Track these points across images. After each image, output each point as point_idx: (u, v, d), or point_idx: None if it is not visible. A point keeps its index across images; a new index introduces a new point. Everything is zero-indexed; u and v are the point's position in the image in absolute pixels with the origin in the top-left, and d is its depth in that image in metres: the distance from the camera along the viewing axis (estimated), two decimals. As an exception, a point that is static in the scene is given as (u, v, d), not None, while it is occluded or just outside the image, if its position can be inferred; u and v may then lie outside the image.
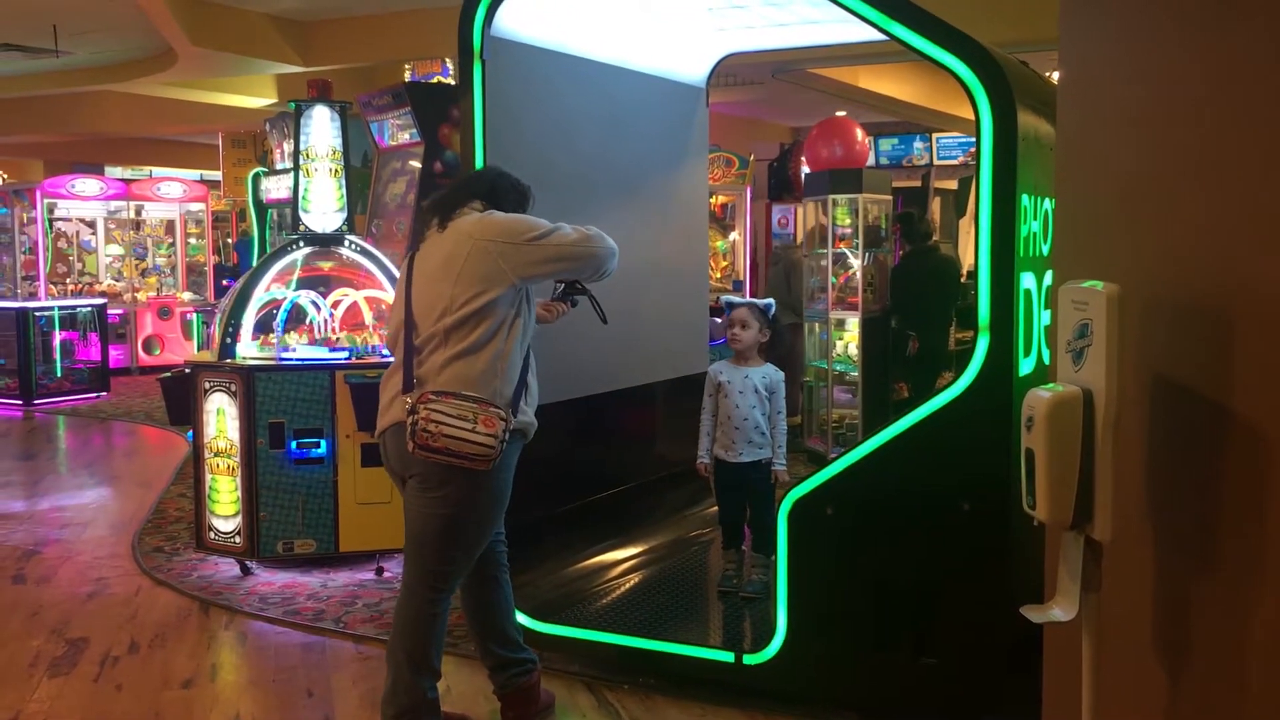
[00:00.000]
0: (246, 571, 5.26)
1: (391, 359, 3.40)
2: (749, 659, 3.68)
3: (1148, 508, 2.57)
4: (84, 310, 11.40)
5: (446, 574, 3.30)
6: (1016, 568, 3.31)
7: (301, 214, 5.60)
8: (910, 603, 3.46)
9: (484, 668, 3.59)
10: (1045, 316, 3.49)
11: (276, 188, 8.50)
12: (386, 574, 5.15)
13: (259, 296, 5.49)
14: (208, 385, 5.31)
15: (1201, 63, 2.40)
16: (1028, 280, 3.38)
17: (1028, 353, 3.41)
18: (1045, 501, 2.35)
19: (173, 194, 13.68)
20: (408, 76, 8.86)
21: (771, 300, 4.52)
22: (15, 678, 4.08)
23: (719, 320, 5.65)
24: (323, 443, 5.12)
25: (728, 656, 3.74)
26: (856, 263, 7.66)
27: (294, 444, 5.10)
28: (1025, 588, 3.00)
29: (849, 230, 7.80)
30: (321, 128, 5.60)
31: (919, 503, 3.41)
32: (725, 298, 4.61)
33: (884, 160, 14.81)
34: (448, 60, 8.86)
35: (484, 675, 3.62)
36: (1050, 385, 2.39)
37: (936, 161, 14.77)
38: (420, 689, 3.31)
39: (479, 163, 4.01)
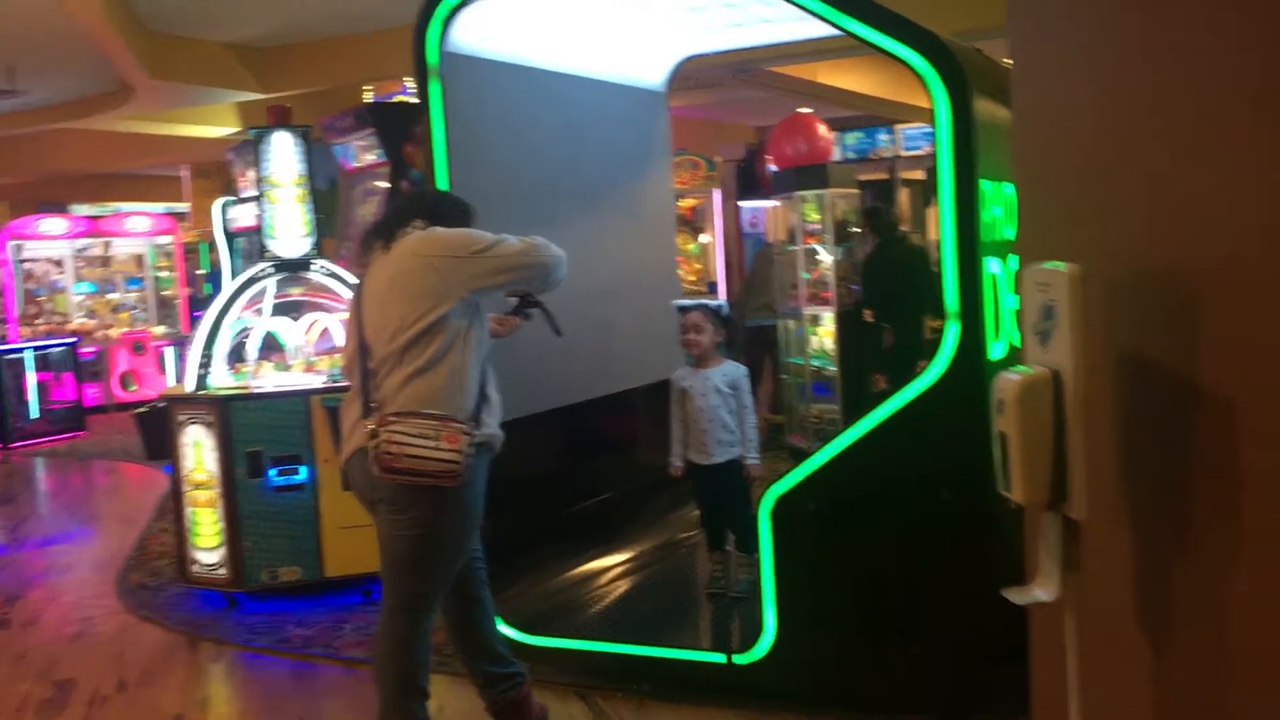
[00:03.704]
0: (233, 603, 5.22)
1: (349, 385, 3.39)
2: (740, 659, 3.68)
3: (1123, 484, 2.59)
4: (57, 350, 11.31)
5: (425, 595, 3.29)
6: (1000, 552, 3.32)
7: (268, 241, 5.58)
8: (896, 594, 3.47)
9: (474, 685, 3.57)
10: (1014, 301, 3.51)
11: (242, 216, 8.46)
12: (374, 596, 5.13)
13: (230, 326, 5.47)
14: (183, 418, 5.27)
15: (1153, 47, 2.43)
16: (993, 265, 3.40)
17: (998, 337, 3.43)
18: (1020, 483, 2.37)
19: (140, 228, 13.60)
20: (369, 97, 8.84)
21: (723, 300, 4.53)
22: (3, 724, 4.05)
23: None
24: (302, 469, 5.10)
25: (719, 658, 3.74)
26: (828, 258, 7.69)
27: (273, 472, 5.08)
28: (1010, 572, 3.01)
29: (818, 226, 7.84)
30: (283, 154, 5.58)
31: (898, 493, 3.42)
32: (675, 302, 4.61)
33: (850, 154, 14.88)
34: (408, 79, 8.85)
35: (475, 692, 3.61)
36: (1019, 368, 2.41)
37: (902, 153, 14.86)
38: (410, 711, 3.29)
39: (443, 181, 4.01)
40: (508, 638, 3.98)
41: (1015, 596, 2.48)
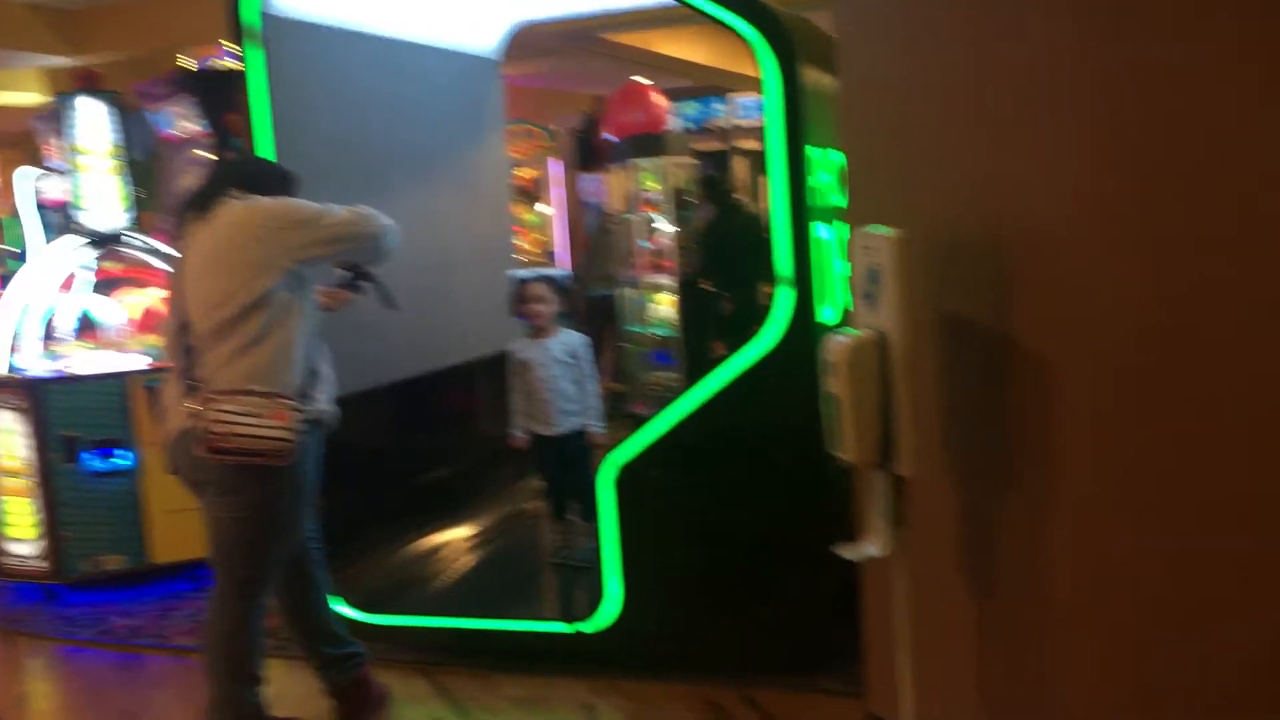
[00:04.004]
0: (51, 595, 4.95)
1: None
2: (585, 628, 3.69)
3: (948, 441, 2.68)
4: None
5: (257, 578, 3.18)
6: (836, 512, 3.40)
7: (78, 214, 5.27)
8: (739, 556, 3.51)
9: (311, 668, 3.48)
10: (844, 266, 3.59)
11: (51, 188, 7.98)
12: (205, 582, 4.94)
13: (41, 304, 5.16)
14: (-10, 403, 4.96)
15: (972, 23, 2.50)
16: (824, 231, 3.46)
17: (830, 302, 3.50)
18: (851, 443, 2.43)
19: (-60, 202, 12.70)
20: (187, 63, 8.44)
21: (564, 270, 4.53)
22: None
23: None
24: (123, 453, 4.86)
25: (563, 628, 3.74)
26: (666, 227, 7.74)
27: (91, 457, 4.82)
28: (847, 531, 3.09)
29: (657, 195, 7.87)
30: (92, 121, 5.29)
31: (737, 456, 3.47)
32: (514, 273, 4.57)
33: (687, 124, 14.97)
34: (227, 43, 8.48)
35: (313, 675, 3.51)
36: (848, 331, 2.46)
37: (738, 122, 15.02)
38: (244, 699, 3.19)
39: (267, 151, 3.85)
40: (346, 617, 3.90)
41: (847, 552, 2.54)
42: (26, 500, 4.92)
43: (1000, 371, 2.50)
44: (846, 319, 3.50)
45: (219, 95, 7.04)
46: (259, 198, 3.19)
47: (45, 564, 4.91)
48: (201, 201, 3.19)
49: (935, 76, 2.61)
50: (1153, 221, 2.11)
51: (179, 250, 3.25)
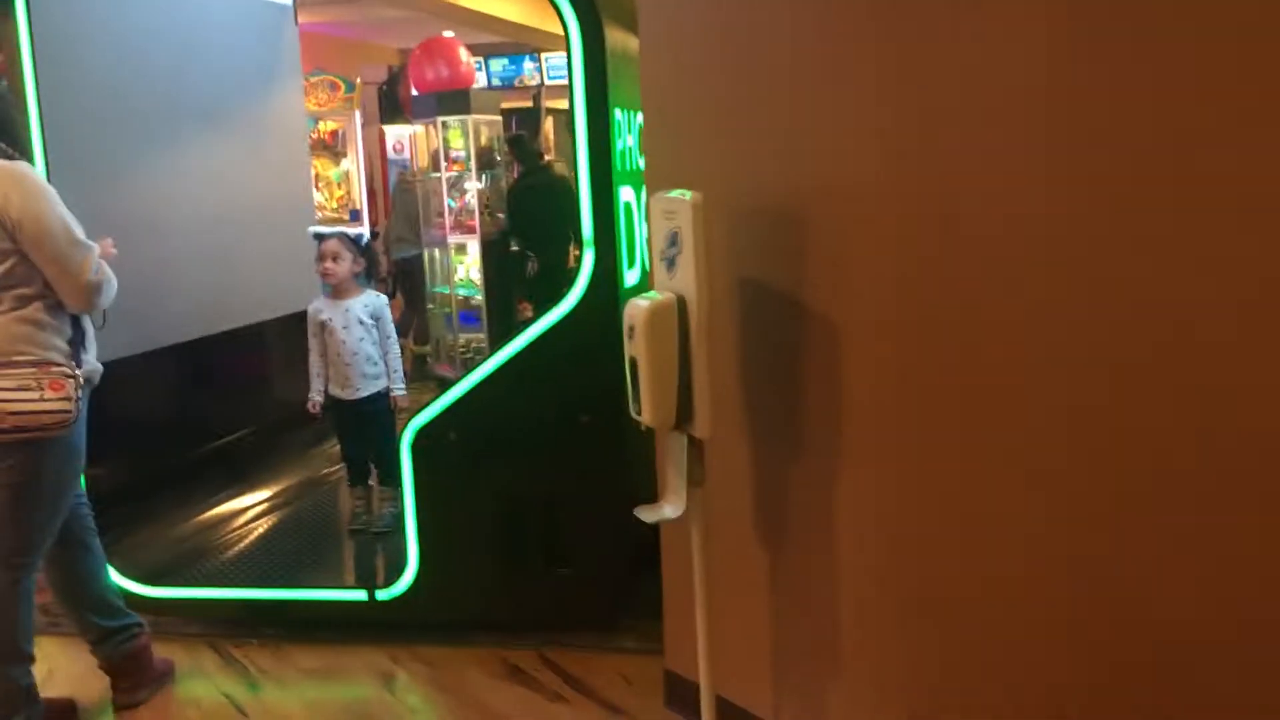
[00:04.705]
0: None
1: None
2: (382, 595, 3.61)
3: (744, 403, 2.73)
4: None
5: (27, 550, 2.97)
6: (636, 474, 3.43)
7: None
8: (539, 518, 3.50)
9: (86, 643, 3.29)
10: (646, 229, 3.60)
11: None
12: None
13: None
14: None
15: (764, -24, 2.52)
16: (627, 194, 3.46)
17: (632, 265, 3.50)
18: (649, 406, 2.43)
19: None
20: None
21: (363, 230, 4.38)
22: None
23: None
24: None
25: (360, 595, 3.65)
26: (472, 186, 7.61)
27: None
28: (647, 492, 3.11)
29: (462, 153, 7.73)
30: None
31: (539, 420, 3.44)
32: (312, 229, 4.39)
33: (496, 82, 14.76)
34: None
35: (88, 650, 3.32)
36: (648, 294, 2.46)
37: (547, 82, 14.90)
38: (12, 679, 2.98)
39: (31, 97, 3.56)
40: (124, 590, 3.70)
41: (645, 515, 2.55)
42: None
43: (793, 335, 2.55)
44: (649, 283, 3.51)
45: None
46: (24, 170, 2.88)
47: None
48: None
49: (735, 38, 2.62)
50: (945, 184, 2.18)
51: None
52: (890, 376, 2.33)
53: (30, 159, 3.06)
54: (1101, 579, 1.98)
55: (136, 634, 3.33)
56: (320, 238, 4.23)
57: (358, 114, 10.98)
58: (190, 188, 4.43)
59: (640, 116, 3.62)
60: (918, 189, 2.22)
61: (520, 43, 14.74)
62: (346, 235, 4.26)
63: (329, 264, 4.16)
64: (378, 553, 4.09)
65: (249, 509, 4.50)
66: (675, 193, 2.40)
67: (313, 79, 10.35)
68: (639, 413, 2.46)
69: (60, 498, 3.00)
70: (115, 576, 3.68)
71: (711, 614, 2.60)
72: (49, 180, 3.50)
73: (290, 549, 4.21)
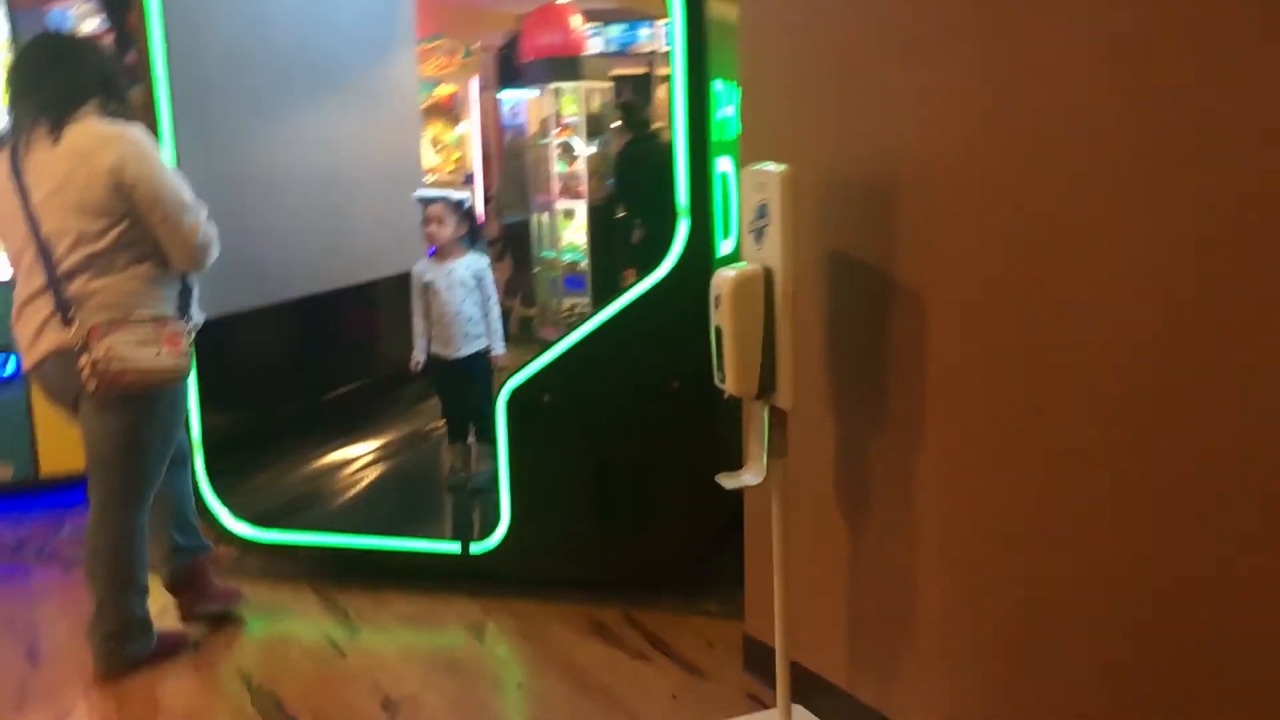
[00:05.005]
0: (-65, 504, 4.87)
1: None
2: (476, 547, 3.73)
3: (828, 375, 2.75)
4: None
5: (143, 489, 3.17)
6: (725, 440, 3.48)
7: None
8: (628, 480, 3.57)
9: (156, 559, 3.44)
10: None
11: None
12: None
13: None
14: None
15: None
16: (725, 164, 3.48)
17: (727, 235, 3.53)
18: (732, 375, 2.47)
19: None
20: (89, -42, 8.09)
21: (466, 195, 4.49)
22: None
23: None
24: (11, 358, 4.75)
25: (455, 547, 3.78)
26: (582, 151, 7.69)
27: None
28: (734, 459, 3.16)
29: (574, 119, 7.82)
30: (-18, 16, 5.06)
31: (630, 384, 3.51)
32: (418, 193, 4.52)
33: (613, 47, 14.81)
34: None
35: (157, 566, 3.48)
36: (736, 264, 2.50)
37: (663, 48, 14.89)
38: (129, 608, 3.19)
39: (160, 63, 3.72)
40: (237, 534, 3.90)
41: (726, 482, 2.60)
42: (-90, 407, 4.80)
43: (880, 307, 2.56)
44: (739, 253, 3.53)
45: (121, -5, 6.81)
46: (137, 134, 3.02)
47: (-72, 472, 4.82)
48: (52, 114, 2.98)
49: (832, 12, 2.63)
50: (1034, 161, 2.17)
51: (17, 161, 3.02)
52: (976, 352, 2.33)
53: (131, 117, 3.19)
54: (1195, 566, 1.96)
55: (202, 555, 3.52)
56: (425, 202, 4.35)
57: (475, 79, 11.14)
58: (304, 150, 4.59)
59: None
60: (1008, 164, 2.21)
61: (635, 9, 14.75)
62: (449, 199, 4.38)
63: (433, 227, 4.28)
64: (474, 507, 4.22)
65: (355, 460, 4.68)
66: (765, 165, 2.43)
67: (432, 43, 10.52)
68: (722, 381, 2.51)
69: (170, 441, 3.20)
70: (228, 519, 3.89)
71: (789, 581, 2.64)
72: (174, 139, 3.69)
73: (391, 500, 4.37)
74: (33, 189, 2.97)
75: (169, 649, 3.36)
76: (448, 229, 4.28)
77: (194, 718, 3.10)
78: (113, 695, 3.18)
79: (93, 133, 2.97)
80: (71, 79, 3.03)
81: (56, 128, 2.97)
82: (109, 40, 6.98)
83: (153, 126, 3.66)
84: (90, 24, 7.08)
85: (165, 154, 3.03)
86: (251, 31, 4.26)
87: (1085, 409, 2.10)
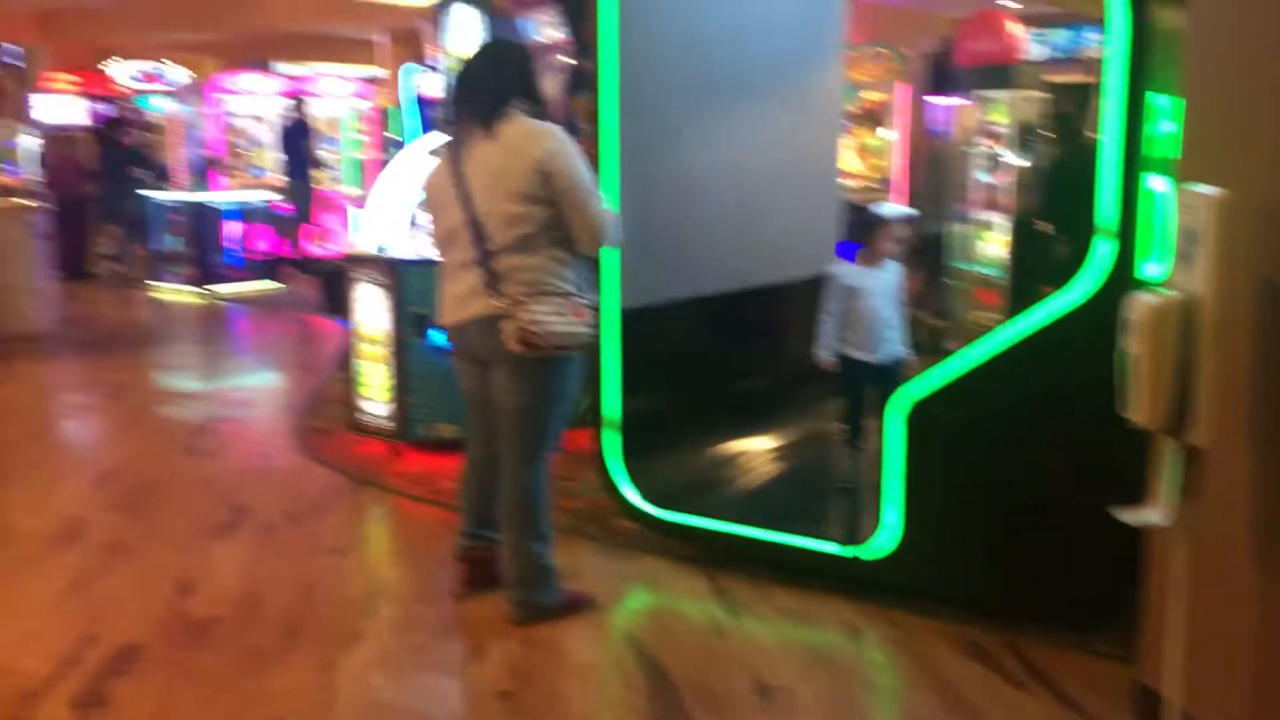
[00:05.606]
0: (396, 453, 5.58)
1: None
2: (862, 553, 3.77)
3: (1251, 414, 2.54)
4: (255, 204, 11.96)
5: (545, 444, 3.59)
6: (1133, 475, 3.29)
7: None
8: (1021, 505, 3.47)
9: (465, 527, 3.81)
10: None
11: (430, 86, 8.70)
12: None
13: (408, 193, 5.71)
14: (357, 277, 5.60)
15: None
16: (1158, 184, 3.29)
17: (1158, 258, 3.33)
18: (1142, 405, 2.36)
19: (338, 91, 14.11)
20: (556, -29, 8.85)
21: (915, 210, 4.59)
22: (186, 539, 4.49)
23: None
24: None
25: (841, 550, 3.84)
26: (1010, 163, 7.46)
27: (437, 334, 5.34)
28: (1137, 494, 2.99)
29: (1003, 129, 7.58)
30: (464, 27, 5.73)
31: (1036, 407, 3.40)
32: (877, 210, 4.64)
33: (1055, 54, 14.12)
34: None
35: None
36: (1155, 290, 2.38)
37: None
38: (537, 555, 3.59)
39: (610, 73, 4.05)
40: (644, 512, 4.16)
41: (1126, 517, 2.49)
42: (384, 367, 5.56)
43: (1323, 350, 2.34)
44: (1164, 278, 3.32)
45: (582, 5, 7.40)
46: (554, 129, 3.43)
47: (393, 425, 5.56)
48: (485, 113, 3.44)
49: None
50: None
51: (457, 154, 3.49)
52: None
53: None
54: None
55: (490, 547, 3.77)
56: (886, 219, 4.50)
57: (902, 86, 11.05)
58: (727, 152, 4.80)
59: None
60: None
61: (1083, 13, 13.97)
62: (909, 218, 4.51)
63: (891, 244, 4.45)
64: (861, 511, 4.25)
65: (752, 452, 4.85)
66: (1198, 187, 2.29)
67: (861, 50, 10.56)
68: (1131, 412, 2.40)
69: (570, 402, 3.61)
70: (633, 496, 4.18)
71: (1190, 633, 2.48)
72: (620, 142, 4.04)
73: (783, 495, 4.50)
74: (471, 177, 3.44)
75: (575, 605, 3.71)
76: (902, 246, 4.44)
77: (588, 671, 3.40)
78: (520, 637, 3.55)
79: (523, 129, 3.43)
80: (500, 81, 3.49)
81: (490, 124, 3.43)
82: (566, 48, 7.66)
83: (598, 129, 4.01)
84: (551, 32, 7.78)
85: (609, 153, 3.43)
86: (687, 38, 4.52)
87: None
